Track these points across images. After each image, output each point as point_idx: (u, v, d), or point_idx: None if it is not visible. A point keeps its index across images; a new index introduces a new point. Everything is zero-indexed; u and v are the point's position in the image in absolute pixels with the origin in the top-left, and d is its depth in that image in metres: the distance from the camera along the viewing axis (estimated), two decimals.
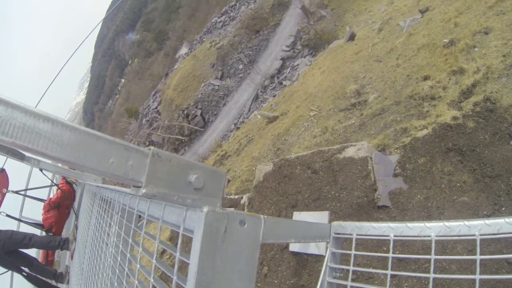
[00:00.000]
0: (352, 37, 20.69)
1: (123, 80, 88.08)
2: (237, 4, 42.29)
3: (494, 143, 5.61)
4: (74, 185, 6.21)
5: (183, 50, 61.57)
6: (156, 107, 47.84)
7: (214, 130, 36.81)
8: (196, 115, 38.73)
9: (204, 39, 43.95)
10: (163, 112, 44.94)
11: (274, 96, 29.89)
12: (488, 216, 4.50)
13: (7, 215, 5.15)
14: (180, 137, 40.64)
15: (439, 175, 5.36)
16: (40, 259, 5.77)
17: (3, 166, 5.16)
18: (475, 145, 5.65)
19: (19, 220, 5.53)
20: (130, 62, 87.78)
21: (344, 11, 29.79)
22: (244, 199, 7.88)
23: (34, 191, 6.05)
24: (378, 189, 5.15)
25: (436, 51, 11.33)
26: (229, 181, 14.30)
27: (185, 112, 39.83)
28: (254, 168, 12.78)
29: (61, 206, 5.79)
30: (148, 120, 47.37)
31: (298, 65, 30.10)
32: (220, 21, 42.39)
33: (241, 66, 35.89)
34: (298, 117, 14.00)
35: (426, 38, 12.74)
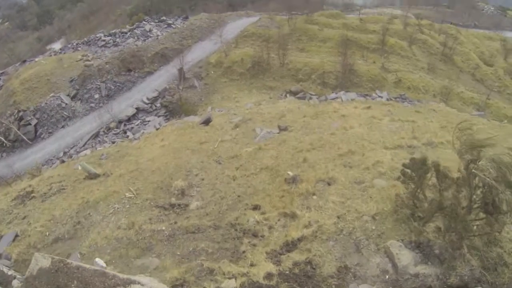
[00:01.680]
0: (207, 122, 20.90)
1: None
2: (128, 34, 40.74)
3: None
4: None
5: (56, 45, 56.28)
6: None
7: (41, 149, 32.15)
8: (30, 124, 33.57)
9: (79, 48, 40.15)
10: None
11: (113, 142, 28.31)
12: None
13: None
14: (3, 139, 34.22)
15: None
16: None
17: None
18: None
19: None
20: (0, 21, 74.18)
21: (215, 91, 31.31)
22: (16, 284, 5.96)
23: None
24: None
25: (277, 180, 11.23)
26: (17, 236, 11.68)
27: (20, 114, 34.21)
28: (46, 233, 10.63)
29: None
30: None
31: (149, 121, 29.56)
32: (104, 40, 39.75)
33: (97, 96, 33.39)
34: (114, 192, 12.33)
35: (273, 160, 12.73)
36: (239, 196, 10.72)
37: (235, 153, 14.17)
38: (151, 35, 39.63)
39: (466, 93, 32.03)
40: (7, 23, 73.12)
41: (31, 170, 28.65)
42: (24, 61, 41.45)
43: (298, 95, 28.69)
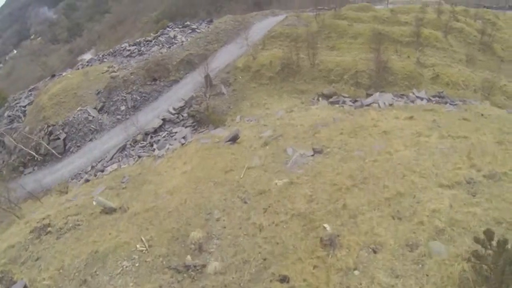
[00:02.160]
0: (234, 139, 19.19)
1: (15, 51, 75.61)
2: (153, 42, 39.64)
3: None
4: None
5: (87, 55, 56.60)
6: (25, 107, 40.33)
7: (70, 162, 31.60)
8: (59, 138, 33.14)
9: (105, 60, 39.57)
10: (29, 116, 37.89)
11: (139, 157, 27.02)
12: None
13: None
14: (34, 153, 34.11)
15: None
16: None
17: None
18: None
19: None
20: (32, 37, 76.45)
21: (244, 97, 29.26)
22: None
23: None
24: None
25: (311, 235, 9.17)
26: (25, 287, 10.26)
27: (50, 129, 33.93)
28: None
29: None
30: (10, 116, 39.29)
31: (176, 133, 28.01)
32: (129, 50, 38.90)
33: (123, 107, 32.35)
34: (124, 243, 10.82)
35: (306, 203, 10.56)
36: (265, 259, 8.88)
37: (263, 187, 12.19)
38: (176, 41, 38.28)
39: (509, 85, 28.01)
40: (39, 38, 75.16)
41: (59, 187, 28.28)
42: (53, 76, 41.48)
43: (331, 99, 26.20)
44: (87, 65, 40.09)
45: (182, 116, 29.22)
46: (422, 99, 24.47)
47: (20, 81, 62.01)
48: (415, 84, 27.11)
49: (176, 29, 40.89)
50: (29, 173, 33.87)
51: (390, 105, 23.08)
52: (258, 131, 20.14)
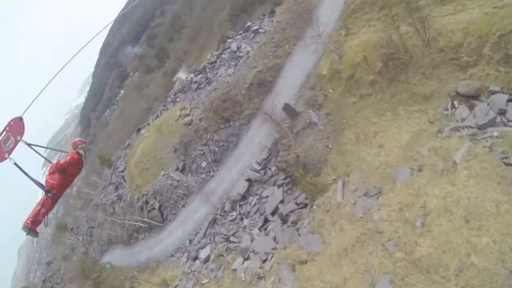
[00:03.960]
0: None
1: (122, 92, 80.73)
2: (218, 62, 31.71)
3: None
4: (83, 158, 5.90)
5: (180, 74, 54.74)
6: (123, 171, 38.94)
7: (171, 233, 27.84)
8: (154, 208, 29.65)
9: (177, 99, 34.02)
10: (127, 184, 35.89)
11: (233, 234, 20.32)
12: None
13: (15, 164, 5.07)
14: (140, 223, 32.02)
15: None
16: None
17: (22, 115, 5.07)
18: None
19: (24, 172, 5.30)
20: (131, 74, 79.95)
21: (343, 124, 18.85)
22: None
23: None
24: None
25: None
26: None
27: (144, 198, 30.85)
28: None
29: (66, 172, 5.66)
30: (115, 183, 38.78)
31: (267, 197, 19.93)
32: (196, 82, 32.17)
33: (204, 164, 25.99)
34: None
35: None
36: None
37: None
38: (241, 53, 29.50)
39: None
40: (136, 73, 77.87)
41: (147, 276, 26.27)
42: (139, 130, 38.95)
43: (473, 100, 13.65)
44: (163, 110, 35.54)
45: (270, 170, 20.84)
46: None
47: (131, 120, 64.69)
48: None
49: (238, 36, 31.93)
50: (142, 239, 32.19)
51: None
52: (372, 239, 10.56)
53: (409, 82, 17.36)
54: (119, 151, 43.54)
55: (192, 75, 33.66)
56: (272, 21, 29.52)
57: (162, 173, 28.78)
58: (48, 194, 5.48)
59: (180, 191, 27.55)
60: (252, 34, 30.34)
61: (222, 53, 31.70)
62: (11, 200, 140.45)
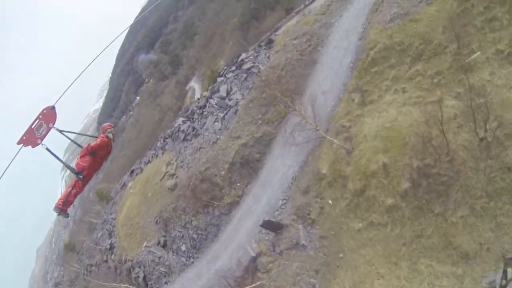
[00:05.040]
0: None
1: (138, 98, 77.95)
2: (206, 107, 26.20)
3: None
4: (112, 141, 6.15)
5: (192, 83, 52.30)
6: (114, 219, 35.37)
7: None
8: (139, 277, 26.10)
9: (166, 147, 29.24)
10: (117, 239, 32.17)
11: None
12: None
13: (47, 149, 5.29)
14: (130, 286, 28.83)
15: None
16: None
17: (54, 104, 5.29)
18: None
19: (56, 156, 5.59)
20: (146, 81, 76.45)
21: (339, 261, 13.13)
22: None
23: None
24: None
25: None
26: None
27: (130, 263, 27.29)
28: None
29: (97, 155, 5.91)
30: (108, 229, 35.46)
31: None
32: (183, 131, 27.09)
33: (183, 248, 21.39)
34: None
35: None
36: None
37: None
38: (230, 101, 23.73)
39: None
40: (151, 80, 74.43)
41: None
42: (132, 172, 35.11)
43: None
44: (153, 156, 31.13)
45: None
46: None
47: (144, 129, 62.93)
48: None
49: (230, 74, 25.89)
50: None
51: None
52: None
53: (447, 218, 11.22)
54: (117, 186, 40.29)
55: (180, 120, 28.57)
56: (268, 57, 23.18)
57: (145, 244, 24.79)
58: (79, 176, 5.68)
59: (162, 269, 23.48)
60: (244, 75, 24.25)
61: (211, 97, 26.09)
62: (29, 204, 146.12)
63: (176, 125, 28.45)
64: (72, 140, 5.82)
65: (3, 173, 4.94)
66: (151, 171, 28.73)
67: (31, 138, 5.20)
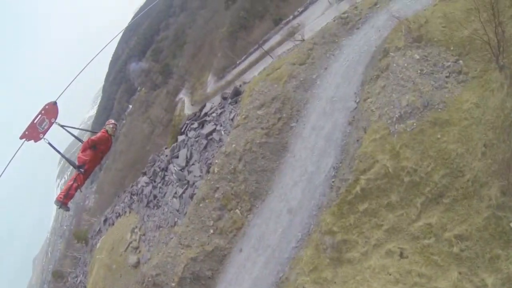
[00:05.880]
0: None
1: (130, 107, 74.93)
2: (168, 170, 22.46)
3: None
4: (112, 136, 6.14)
5: (181, 95, 51.33)
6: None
7: None
8: None
9: (133, 205, 25.93)
10: None
11: None
12: None
13: (49, 143, 5.29)
14: None
15: None
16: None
17: (56, 100, 5.33)
18: None
19: (57, 150, 5.56)
20: (138, 89, 72.96)
21: None
22: None
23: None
24: None
25: None
26: None
27: None
28: None
29: (97, 149, 5.86)
30: (85, 272, 33.18)
31: None
32: (145, 195, 23.65)
33: None
34: None
35: None
36: None
37: None
38: (189, 176, 20.06)
39: None
40: (143, 89, 71.20)
41: None
42: (105, 220, 32.22)
43: None
44: (119, 216, 27.99)
45: None
46: None
47: (133, 145, 60.26)
48: None
49: (191, 132, 21.65)
50: None
51: None
52: None
53: None
54: (95, 225, 37.76)
55: (143, 180, 25.09)
56: (232, 124, 18.73)
57: None
58: (80, 170, 5.60)
59: None
60: (204, 142, 20.05)
61: (171, 160, 22.29)
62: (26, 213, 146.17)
63: (139, 186, 25.03)
64: (73, 135, 5.80)
65: (6, 166, 4.98)
66: (117, 235, 26.02)
67: (34, 132, 5.19)
